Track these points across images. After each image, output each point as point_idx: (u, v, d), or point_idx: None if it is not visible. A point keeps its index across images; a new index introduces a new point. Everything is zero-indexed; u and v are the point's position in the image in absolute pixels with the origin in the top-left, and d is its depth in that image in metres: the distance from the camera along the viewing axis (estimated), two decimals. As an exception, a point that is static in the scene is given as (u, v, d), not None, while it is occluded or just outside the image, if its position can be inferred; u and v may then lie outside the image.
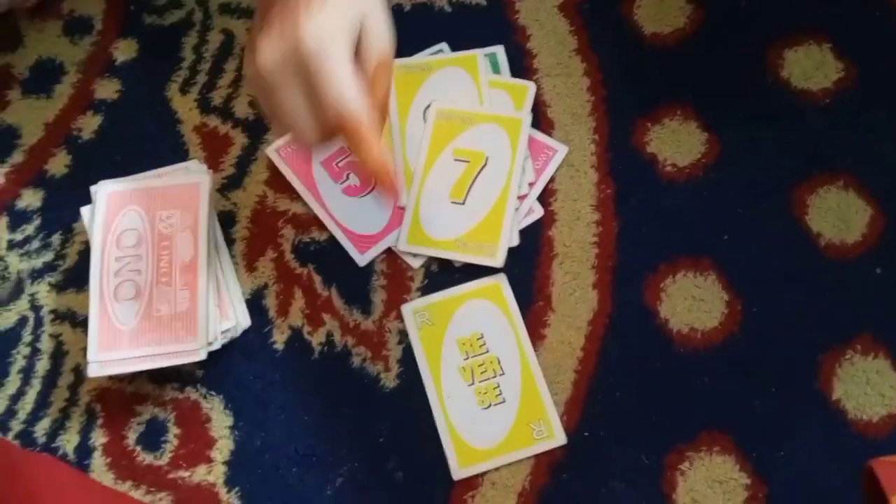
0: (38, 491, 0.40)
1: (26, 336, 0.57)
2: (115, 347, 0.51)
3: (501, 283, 0.56)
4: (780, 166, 0.59)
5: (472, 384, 0.53)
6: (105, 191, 0.55)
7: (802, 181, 0.58)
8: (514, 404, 0.53)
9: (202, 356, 0.51)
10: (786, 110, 0.60)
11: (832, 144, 0.59)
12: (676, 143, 0.60)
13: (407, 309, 0.56)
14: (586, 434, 0.53)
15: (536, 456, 0.52)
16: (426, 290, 0.57)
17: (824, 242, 0.56)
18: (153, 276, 0.53)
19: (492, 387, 0.53)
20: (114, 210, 0.54)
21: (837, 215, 0.57)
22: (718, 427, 0.53)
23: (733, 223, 0.57)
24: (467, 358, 0.54)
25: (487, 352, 0.54)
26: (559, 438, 0.52)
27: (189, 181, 0.55)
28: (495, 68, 0.62)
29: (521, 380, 0.53)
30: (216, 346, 0.52)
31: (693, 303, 0.55)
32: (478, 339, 0.54)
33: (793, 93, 0.61)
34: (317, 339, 0.56)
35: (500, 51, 0.63)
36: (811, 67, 0.61)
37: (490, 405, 0.53)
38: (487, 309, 0.55)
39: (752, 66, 0.62)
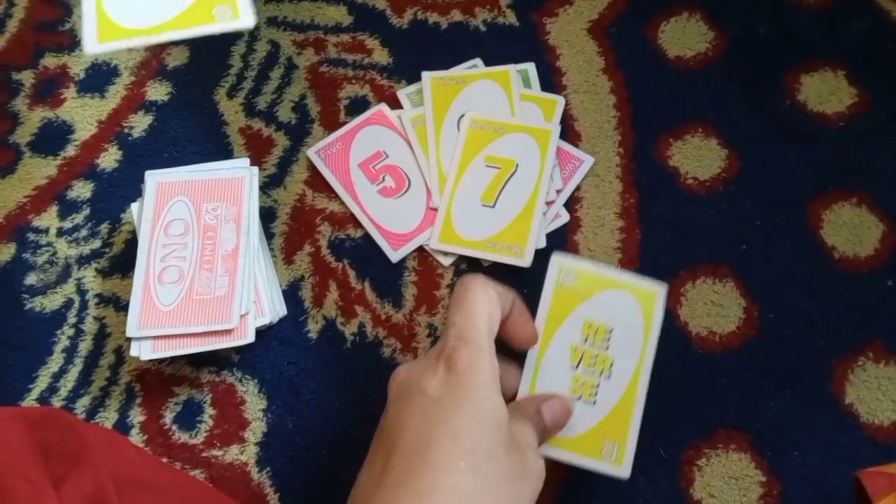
0: (90, 447, 0.42)
1: (71, 318, 0.60)
2: (153, 326, 0.53)
3: (659, 293, 0.49)
4: (796, 183, 0.61)
5: (576, 368, 0.49)
6: (156, 180, 0.57)
7: (817, 197, 0.61)
8: (601, 412, 0.48)
9: (250, 338, 0.53)
10: (802, 131, 0.63)
11: (845, 164, 0.62)
12: (697, 158, 0.63)
13: (555, 260, 0.49)
14: (607, 428, 0.55)
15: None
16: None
17: (838, 255, 0.59)
18: (196, 263, 0.55)
19: (590, 383, 0.48)
20: (163, 199, 0.57)
21: (851, 230, 0.59)
22: (735, 426, 0.54)
23: (751, 234, 0.60)
24: (585, 342, 0.49)
25: (607, 349, 0.49)
26: (624, 470, 0.47)
27: (235, 175, 0.58)
28: (526, 83, 0.65)
29: (622, 394, 0.48)
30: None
31: (712, 307, 0.58)
32: (605, 332, 0.49)
33: (809, 115, 0.64)
34: (349, 330, 0.58)
35: (531, 67, 0.66)
36: (826, 92, 0.64)
37: (580, 397, 0.48)
38: (632, 309, 0.49)
39: (770, 90, 0.65)
